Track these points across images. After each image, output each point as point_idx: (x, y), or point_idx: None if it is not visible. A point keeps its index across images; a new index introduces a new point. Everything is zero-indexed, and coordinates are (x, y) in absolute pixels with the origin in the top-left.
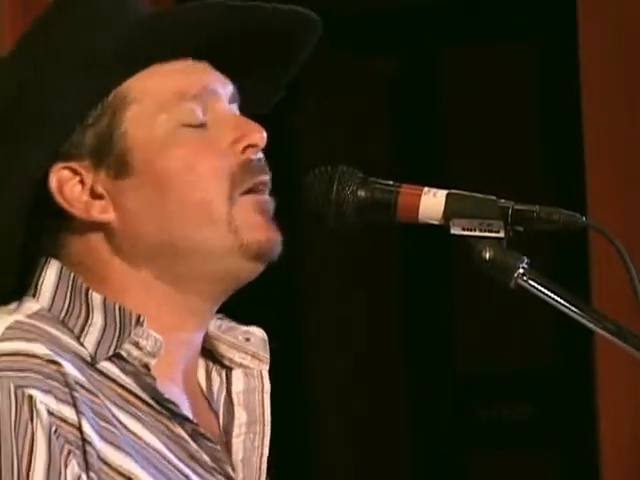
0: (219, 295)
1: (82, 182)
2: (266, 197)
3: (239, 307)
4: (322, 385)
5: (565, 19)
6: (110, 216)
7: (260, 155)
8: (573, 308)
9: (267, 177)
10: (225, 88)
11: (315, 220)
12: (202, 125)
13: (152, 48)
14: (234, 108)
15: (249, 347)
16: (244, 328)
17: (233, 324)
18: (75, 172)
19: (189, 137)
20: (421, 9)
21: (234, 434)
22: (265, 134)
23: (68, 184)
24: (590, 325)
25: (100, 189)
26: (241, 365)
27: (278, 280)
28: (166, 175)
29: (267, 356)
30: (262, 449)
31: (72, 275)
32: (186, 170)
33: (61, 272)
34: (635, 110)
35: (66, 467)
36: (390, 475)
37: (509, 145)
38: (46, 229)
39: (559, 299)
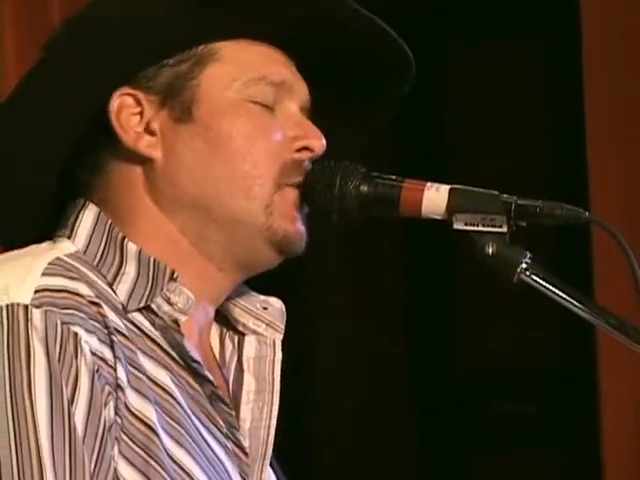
0: (233, 271)
1: (141, 114)
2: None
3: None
4: (324, 383)
5: (567, 15)
6: (157, 154)
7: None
8: (576, 303)
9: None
10: (301, 91)
11: (318, 215)
12: (270, 109)
13: (258, 22)
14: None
15: (265, 315)
16: (262, 297)
17: (251, 292)
18: (138, 102)
19: (256, 113)
20: (423, 6)
21: (243, 401)
22: (325, 144)
23: (127, 110)
24: (593, 320)
25: (155, 126)
26: (255, 332)
27: (282, 284)
28: (224, 137)
29: (282, 327)
30: (270, 421)
31: (109, 222)
32: (245, 140)
33: (99, 217)
34: (638, 105)
35: (105, 407)
36: (394, 473)
37: (512, 140)
38: (91, 147)
39: (562, 294)
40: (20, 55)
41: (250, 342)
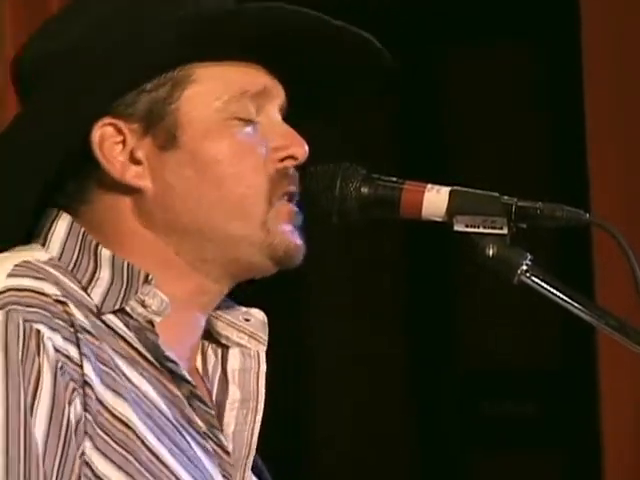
0: (231, 282)
1: (124, 143)
2: (296, 209)
3: (239, 290)
4: (324, 384)
5: (568, 16)
6: (145, 184)
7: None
8: (576, 304)
9: (297, 189)
10: (279, 95)
11: (318, 216)
12: (253, 123)
13: (230, 40)
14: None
15: (248, 327)
16: (244, 309)
17: (234, 304)
18: (119, 131)
19: (239, 131)
20: (423, 6)
21: (227, 409)
22: (307, 150)
23: (109, 141)
24: (593, 321)
25: (140, 155)
26: (238, 344)
27: (282, 284)
28: (212, 162)
29: (265, 338)
30: (254, 424)
31: (82, 230)
32: (232, 162)
33: (72, 226)
34: (638, 105)
35: (70, 404)
36: (393, 473)
37: (512, 142)
38: (76, 177)
39: (562, 295)
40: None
41: (234, 355)
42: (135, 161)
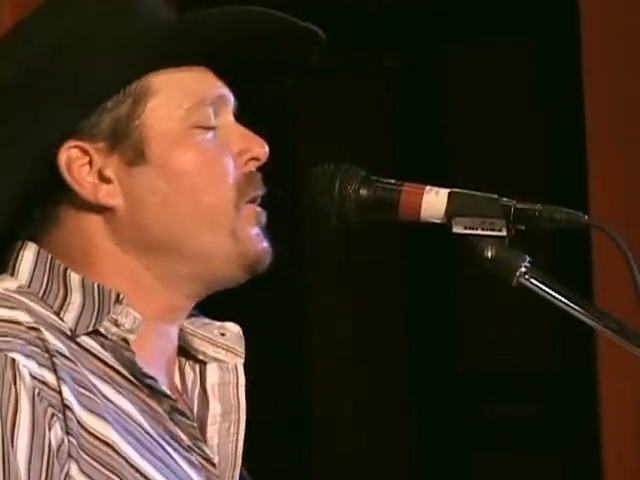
0: (202, 295)
1: (90, 163)
2: (261, 210)
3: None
4: (324, 384)
5: (568, 15)
6: (117, 202)
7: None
8: (575, 306)
9: (262, 192)
10: (230, 98)
11: (317, 218)
12: (213, 129)
13: (182, 49)
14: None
15: (224, 342)
16: (218, 324)
17: (207, 320)
18: (86, 152)
19: (202, 139)
20: (423, 6)
21: (209, 423)
22: (267, 150)
23: (76, 163)
24: (592, 323)
25: (109, 173)
26: (215, 359)
27: (282, 284)
28: (180, 174)
29: (242, 350)
30: (237, 436)
31: (49, 256)
32: (200, 172)
33: (39, 253)
34: (638, 105)
35: (50, 429)
36: (394, 473)
37: (512, 142)
38: (42, 205)
39: (561, 297)
40: None
41: (212, 370)
42: (105, 180)
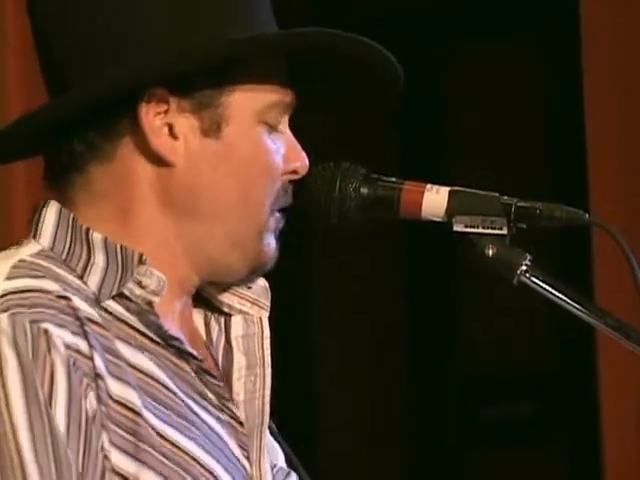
0: (207, 280)
1: (165, 112)
2: (283, 219)
3: None
4: (324, 385)
5: (568, 16)
6: (177, 160)
7: None
8: (576, 305)
9: (290, 204)
10: (291, 108)
11: (318, 217)
12: (276, 131)
13: (291, 43)
14: None
15: (250, 294)
16: None
17: None
18: (166, 102)
19: (267, 137)
20: (423, 7)
21: (234, 377)
22: (308, 166)
23: (153, 108)
24: (593, 322)
25: (178, 131)
26: (240, 311)
27: (283, 283)
28: (246, 162)
29: (268, 304)
30: (264, 391)
31: (71, 215)
32: (262, 168)
33: (61, 213)
34: (638, 105)
35: (85, 398)
36: (393, 473)
37: (512, 142)
38: (102, 130)
39: (562, 296)
40: (21, 54)
41: (237, 322)
42: (172, 135)
